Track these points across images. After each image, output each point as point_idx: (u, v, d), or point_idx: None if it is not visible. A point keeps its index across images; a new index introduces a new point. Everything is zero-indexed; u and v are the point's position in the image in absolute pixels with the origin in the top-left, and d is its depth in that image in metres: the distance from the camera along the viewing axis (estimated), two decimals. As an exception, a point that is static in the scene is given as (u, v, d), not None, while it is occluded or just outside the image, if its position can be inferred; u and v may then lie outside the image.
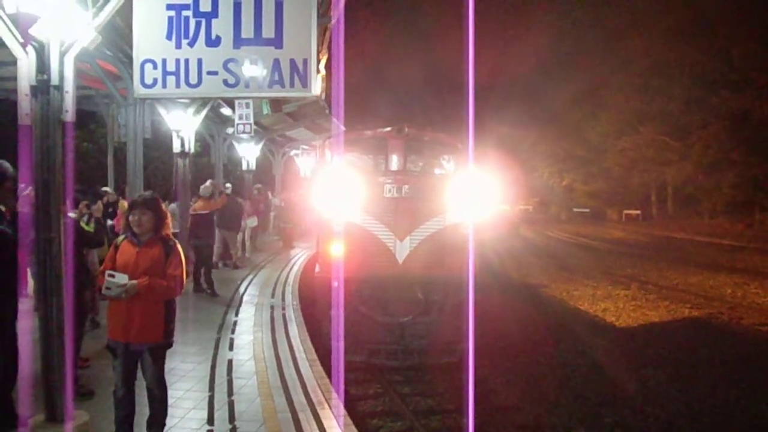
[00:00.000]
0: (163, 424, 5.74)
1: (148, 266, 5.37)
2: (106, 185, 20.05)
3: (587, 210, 62.06)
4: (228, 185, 18.33)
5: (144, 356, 5.47)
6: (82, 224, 7.89)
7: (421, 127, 12.34)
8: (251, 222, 20.09)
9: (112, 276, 5.24)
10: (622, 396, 9.73)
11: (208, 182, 15.10)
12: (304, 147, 32.40)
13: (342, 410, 6.95)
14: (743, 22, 40.08)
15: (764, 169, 41.04)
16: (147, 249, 5.44)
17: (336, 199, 10.39)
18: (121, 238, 5.63)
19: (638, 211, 57.57)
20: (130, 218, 5.48)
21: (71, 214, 7.01)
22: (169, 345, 5.67)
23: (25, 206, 5.81)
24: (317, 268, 11.21)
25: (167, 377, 5.77)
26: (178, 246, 5.64)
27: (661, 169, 51.51)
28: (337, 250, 10.30)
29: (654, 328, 14.22)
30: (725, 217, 45.18)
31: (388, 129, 11.33)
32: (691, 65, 44.86)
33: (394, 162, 11.14)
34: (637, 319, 15.07)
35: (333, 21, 12.36)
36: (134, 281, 5.25)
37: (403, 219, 10.39)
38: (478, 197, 10.40)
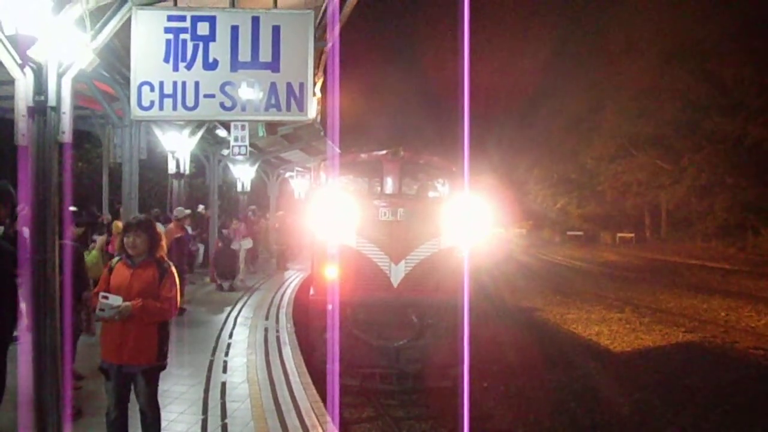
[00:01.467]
0: None
1: (142, 288, 5.36)
2: (100, 205, 20.06)
3: (581, 233, 62.13)
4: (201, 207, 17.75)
5: (137, 378, 5.45)
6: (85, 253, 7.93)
7: (417, 150, 12.38)
8: (246, 244, 20.04)
9: (106, 298, 5.23)
10: (617, 420, 9.72)
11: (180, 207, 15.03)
12: (299, 169, 32.46)
13: (336, 433, 6.93)
14: (735, 47, 40.47)
15: (756, 193, 41.23)
16: (141, 271, 5.44)
17: (331, 221, 10.39)
18: (115, 260, 5.63)
19: (632, 234, 57.65)
20: (125, 240, 5.48)
21: (68, 241, 7.02)
22: (163, 367, 5.64)
23: (23, 226, 5.82)
24: (312, 291, 11.13)
25: (161, 399, 5.74)
26: (173, 268, 5.63)
27: (655, 193, 51.71)
28: (331, 273, 10.30)
29: (648, 351, 14.21)
30: (718, 241, 45.30)
31: (384, 152, 11.35)
32: (684, 89, 45.17)
33: (389, 185, 11.17)
34: (632, 343, 15.07)
35: (329, 45, 12.40)
36: (128, 303, 5.24)
37: (398, 242, 10.42)
38: (473, 220, 10.39)
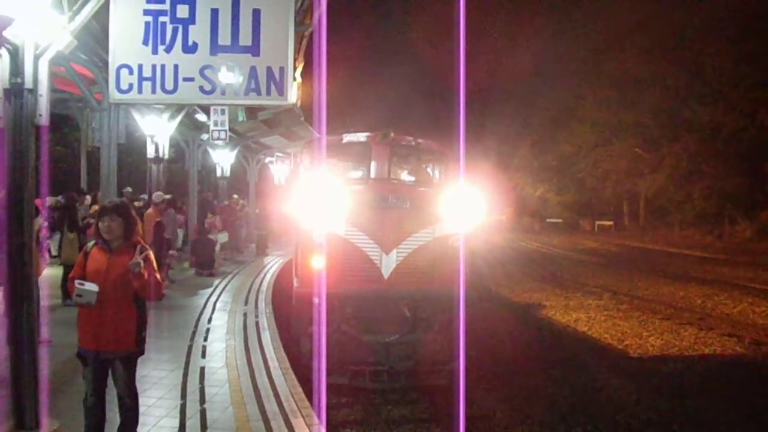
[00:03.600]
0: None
1: (120, 273, 5.26)
2: (79, 189, 19.88)
3: (560, 220, 62.48)
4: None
5: (115, 365, 5.40)
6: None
7: (406, 132, 11.82)
8: (221, 237, 20.03)
9: (82, 284, 5.14)
10: (596, 407, 9.81)
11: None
12: (279, 154, 32.34)
13: (315, 419, 6.93)
14: (714, 38, 40.77)
15: (733, 182, 41.67)
16: (119, 256, 5.34)
17: (317, 208, 9.54)
18: (90, 244, 5.52)
19: (611, 222, 58.09)
20: (100, 225, 5.36)
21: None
22: (141, 353, 5.59)
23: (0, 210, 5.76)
24: (296, 283, 10.28)
25: (139, 385, 5.72)
26: (151, 253, 5.57)
27: (634, 181, 52.10)
28: (318, 264, 9.48)
29: (625, 338, 14.34)
30: (696, 229, 45.75)
31: (372, 134, 10.90)
32: (664, 79, 45.48)
33: (378, 169, 10.67)
34: (609, 330, 15.19)
35: (314, 23, 12.31)
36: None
37: (390, 230, 9.68)
38: (469, 207, 9.75)
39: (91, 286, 5.13)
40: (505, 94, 58.04)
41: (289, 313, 11.07)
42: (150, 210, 14.12)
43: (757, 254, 32.04)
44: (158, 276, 5.54)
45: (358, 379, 9.64)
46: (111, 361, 5.38)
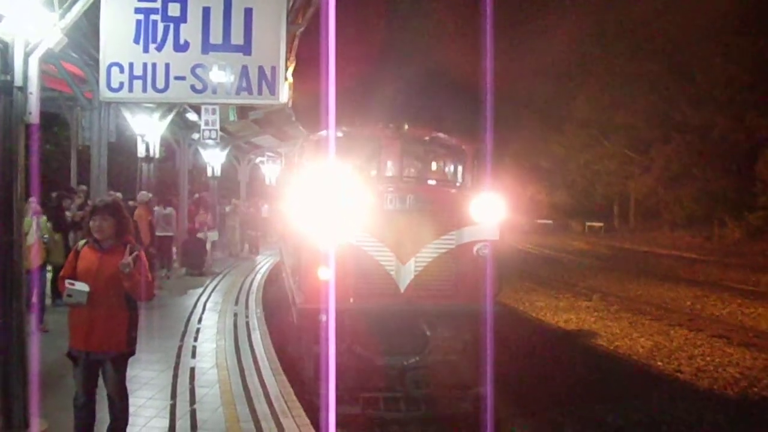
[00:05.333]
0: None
1: (112, 273, 5.20)
2: (69, 188, 19.76)
3: (550, 221, 62.54)
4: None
5: (105, 365, 5.36)
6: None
7: (422, 125, 10.75)
8: (213, 236, 20.03)
9: (72, 284, 5.10)
10: (585, 408, 9.82)
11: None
12: (270, 154, 32.31)
13: (305, 419, 6.91)
14: (704, 41, 40.94)
15: (723, 184, 41.87)
16: (110, 256, 5.27)
17: (323, 212, 8.25)
18: (81, 243, 5.47)
19: (601, 224, 58.22)
20: (91, 224, 5.31)
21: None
22: (132, 353, 5.55)
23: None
24: (299, 297, 8.82)
25: (129, 385, 5.69)
26: (143, 252, 5.53)
27: (624, 182, 52.25)
28: (325, 276, 8.14)
29: (615, 339, 14.38)
30: (685, 230, 45.90)
31: (384, 127, 9.83)
32: (654, 81, 45.65)
33: (390, 167, 9.66)
34: (599, 331, 15.24)
35: (308, 18, 12.23)
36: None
37: (407, 237, 8.50)
38: (495, 210, 8.72)
39: (82, 286, 5.09)
40: (497, 94, 58.05)
41: (285, 330, 10.32)
42: (139, 210, 14.06)
43: (746, 256, 32.19)
44: (149, 276, 5.50)
45: (371, 408, 8.39)
46: (101, 361, 5.33)
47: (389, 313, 8.52)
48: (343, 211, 8.26)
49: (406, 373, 8.56)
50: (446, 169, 10.72)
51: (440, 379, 8.60)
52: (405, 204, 8.59)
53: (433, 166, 10.77)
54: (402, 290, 8.50)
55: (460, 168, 10.33)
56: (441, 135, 10.43)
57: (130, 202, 14.68)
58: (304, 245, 8.80)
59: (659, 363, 12.44)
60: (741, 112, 40.73)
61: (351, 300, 8.33)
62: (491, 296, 8.50)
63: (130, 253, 5.23)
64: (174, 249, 16.97)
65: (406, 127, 9.72)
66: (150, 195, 14.65)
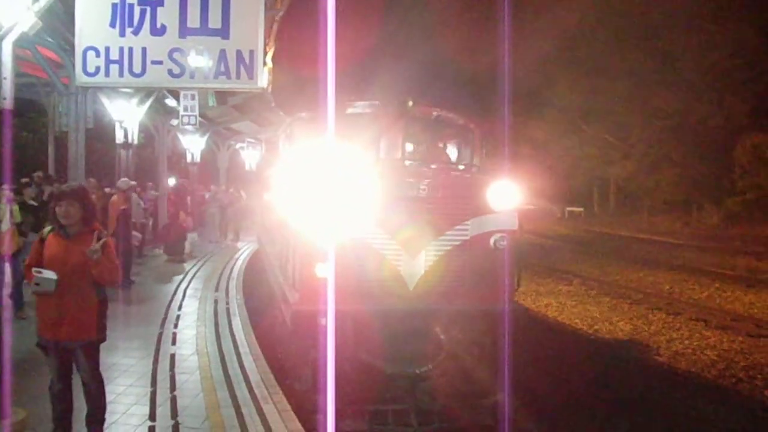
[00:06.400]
0: (103, 420, 5.61)
1: (79, 260, 5.12)
2: (48, 177, 19.58)
3: (531, 207, 62.79)
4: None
5: (77, 354, 5.31)
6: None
7: (428, 102, 9.49)
8: (192, 237, 20.14)
9: (39, 272, 5.02)
10: (565, 390, 9.87)
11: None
12: (250, 140, 32.17)
13: (286, 405, 6.91)
14: (684, 27, 41.11)
15: (701, 169, 42.19)
16: (77, 242, 5.19)
17: (320, 200, 7.39)
18: (47, 230, 5.37)
19: (581, 209, 58.47)
20: (58, 210, 5.20)
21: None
22: (103, 340, 5.50)
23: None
24: (292, 297, 7.92)
25: (108, 373, 5.68)
26: (110, 239, 5.45)
27: (604, 168, 52.46)
28: (323, 273, 6.88)
29: (595, 323, 14.49)
30: (664, 215, 46.20)
31: (384, 103, 8.84)
32: (634, 67, 45.79)
33: (394, 148, 8.73)
34: (579, 315, 15.34)
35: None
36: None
37: (417, 228, 7.61)
38: (511, 195, 7.87)
39: (50, 274, 5.01)
40: (473, 79, 57.99)
41: (273, 332, 9.60)
42: (115, 197, 13.91)
43: (724, 240, 32.47)
44: (116, 262, 5.42)
45: (379, 424, 7.50)
46: (73, 349, 5.28)
47: (397, 314, 7.57)
48: (342, 199, 7.13)
49: (418, 383, 7.63)
50: (453, 151, 9.78)
51: (455, 388, 7.70)
52: (414, 190, 7.68)
53: (440, 147, 9.79)
54: (410, 288, 7.62)
55: (467, 150, 9.44)
56: (448, 113, 9.36)
57: (107, 189, 14.57)
58: (298, 238, 7.72)
59: (638, 346, 12.56)
60: (719, 98, 41.03)
61: (353, 300, 7.22)
62: (509, 294, 7.86)
63: (98, 240, 5.15)
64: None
65: (411, 103, 8.54)
66: (132, 183, 14.48)
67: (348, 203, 6.30)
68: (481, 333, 7.79)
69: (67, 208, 5.19)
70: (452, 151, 9.82)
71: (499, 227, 7.87)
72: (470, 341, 7.83)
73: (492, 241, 7.85)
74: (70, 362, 5.38)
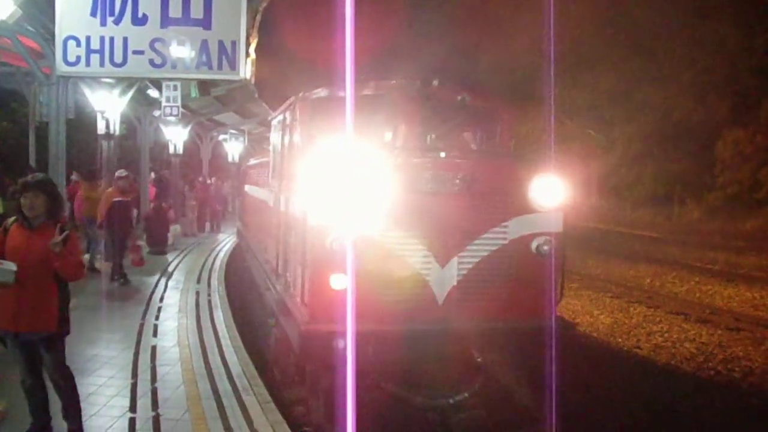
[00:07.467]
0: (79, 412, 5.57)
1: (41, 252, 5.04)
2: (28, 166, 19.44)
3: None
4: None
5: (38, 347, 5.24)
6: None
7: (453, 82, 8.15)
8: (175, 229, 20.11)
9: (0, 263, 4.95)
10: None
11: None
12: (233, 131, 32.08)
13: (267, 397, 6.91)
14: (667, 23, 41.34)
15: (683, 164, 42.48)
16: (39, 234, 5.12)
17: (334, 196, 6.16)
18: (11, 220, 5.30)
19: (563, 203, 58.62)
20: (22, 201, 5.14)
21: None
22: (66, 333, 5.42)
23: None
24: (300, 314, 6.55)
25: (89, 364, 5.67)
26: (74, 231, 5.40)
27: (586, 162, 52.70)
28: (340, 284, 6.08)
29: (576, 316, 14.56)
30: (646, 210, 46.46)
31: (408, 83, 7.64)
32: (617, 61, 46.01)
33: (415, 134, 7.55)
34: (561, 308, 15.36)
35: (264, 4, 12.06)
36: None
37: (449, 229, 6.41)
38: (556, 191, 6.74)
39: (9, 265, 4.94)
40: (454, 73, 57.98)
41: (266, 347, 8.83)
42: (110, 189, 13.67)
43: (705, 235, 32.72)
44: (79, 256, 5.38)
45: None
46: (35, 343, 5.22)
47: (424, 333, 6.35)
48: (360, 195, 6.10)
49: (452, 416, 6.44)
50: (479, 138, 8.59)
51: (497, 420, 6.53)
52: (446, 185, 6.46)
53: (467, 135, 8.64)
54: (440, 302, 6.40)
55: (495, 139, 8.29)
56: (475, 94, 8.05)
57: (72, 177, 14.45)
58: (307, 242, 6.55)
59: (619, 339, 12.65)
60: (702, 93, 41.29)
61: (373, 318, 5.92)
62: (554, 307, 6.76)
63: (61, 232, 5.07)
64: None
65: (436, 83, 7.47)
66: (125, 173, 14.20)
67: (365, 200, 6.08)
68: (524, 354, 6.56)
69: (32, 199, 5.12)
70: (478, 140, 8.62)
71: (542, 229, 6.73)
72: (512, 364, 6.61)
73: (534, 245, 6.69)
74: (36, 355, 5.31)
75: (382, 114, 7.59)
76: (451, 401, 6.38)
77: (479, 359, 6.48)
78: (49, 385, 5.47)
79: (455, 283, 6.40)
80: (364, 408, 5.02)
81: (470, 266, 6.45)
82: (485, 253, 6.51)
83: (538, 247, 6.64)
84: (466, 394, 6.41)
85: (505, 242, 6.59)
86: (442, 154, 6.84)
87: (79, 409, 5.57)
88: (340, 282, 6.03)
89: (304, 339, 6.18)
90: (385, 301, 6.23)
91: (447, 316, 6.36)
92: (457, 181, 6.43)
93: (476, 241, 6.46)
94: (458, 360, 6.46)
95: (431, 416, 6.43)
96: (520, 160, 7.92)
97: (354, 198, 6.00)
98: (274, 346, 8.14)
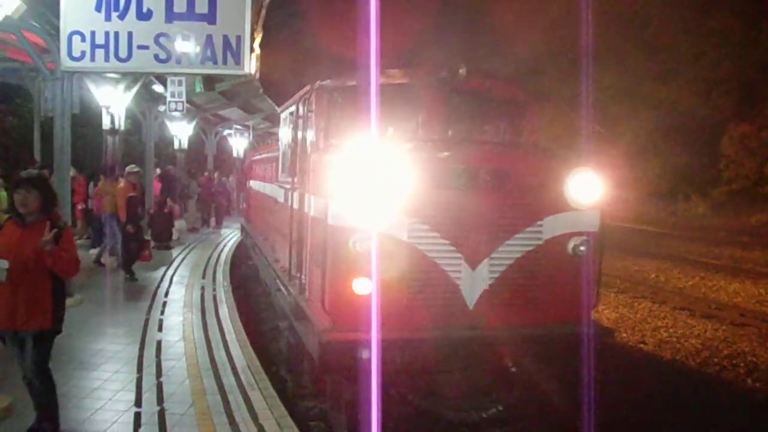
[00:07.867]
0: (56, 415, 5.44)
1: (34, 249, 5.01)
2: (33, 161, 19.47)
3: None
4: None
5: (27, 342, 5.19)
6: None
7: (481, 71, 7.94)
8: (180, 225, 20.19)
9: None
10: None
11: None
12: (238, 127, 32.11)
13: (272, 392, 6.92)
14: (672, 17, 41.23)
15: (687, 159, 42.42)
16: (33, 231, 5.07)
17: (355, 195, 5.78)
18: (5, 218, 5.32)
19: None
20: (15, 197, 5.15)
21: None
22: (58, 331, 5.40)
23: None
24: (319, 322, 6.07)
25: (95, 359, 5.68)
26: (69, 226, 5.39)
27: (592, 156, 52.61)
28: (364, 289, 5.73)
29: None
30: (651, 205, 46.41)
31: (435, 71, 7.18)
32: (621, 56, 45.89)
33: (443, 126, 7.20)
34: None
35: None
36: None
37: (480, 229, 6.02)
38: (593, 188, 6.47)
39: (1, 263, 4.94)
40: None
41: (278, 351, 8.64)
42: (122, 184, 13.70)
43: (709, 230, 32.67)
44: (74, 253, 5.33)
45: None
46: (26, 338, 5.20)
47: (454, 340, 5.94)
48: (384, 192, 5.72)
49: (485, 431, 6.17)
50: (507, 131, 8.11)
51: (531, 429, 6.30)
52: (476, 180, 6.05)
53: (494, 127, 8.13)
54: (471, 306, 6.04)
55: (523, 131, 7.96)
56: (504, 85, 7.90)
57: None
58: (327, 243, 5.94)
59: (624, 334, 12.61)
60: (707, 88, 41.19)
61: (400, 324, 5.76)
62: (590, 311, 6.45)
63: (52, 229, 5.02)
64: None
65: (463, 71, 6.99)
66: (136, 168, 14.19)
67: (392, 198, 5.72)
68: (560, 362, 6.20)
69: (25, 196, 5.10)
70: (506, 133, 8.12)
71: (579, 228, 6.38)
72: (549, 373, 6.18)
73: (570, 246, 6.35)
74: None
75: (406, 105, 7.23)
76: (483, 415, 6.10)
77: (513, 368, 6.09)
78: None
79: (487, 287, 6.06)
80: (389, 422, 5.20)
81: (503, 268, 6.10)
82: (519, 254, 6.16)
83: (574, 247, 6.32)
84: (500, 407, 6.14)
85: (540, 242, 6.25)
86: (473, 148, 6.60)
87: (57, 416, 5.46)
88: (364, 286, 5.72)
89: (324, 348, 5.75)
90: (412, 307, 5.93)
91: (478, 321, 6.02)
92: (489, 176, 6.06)
93: (509, 242, 6.11)
94: (491, 369, 6.15)
95: (462, 430, 6.08)
96: (554, 154, 7.63)
97: (378, 196, 5.67)
98: (286, 353, 7.97)
